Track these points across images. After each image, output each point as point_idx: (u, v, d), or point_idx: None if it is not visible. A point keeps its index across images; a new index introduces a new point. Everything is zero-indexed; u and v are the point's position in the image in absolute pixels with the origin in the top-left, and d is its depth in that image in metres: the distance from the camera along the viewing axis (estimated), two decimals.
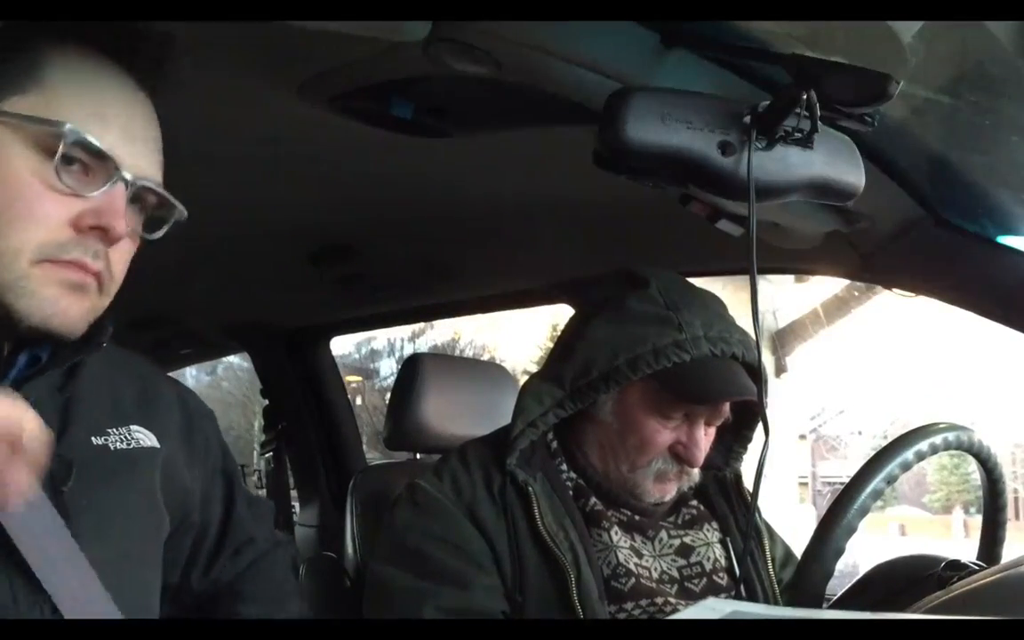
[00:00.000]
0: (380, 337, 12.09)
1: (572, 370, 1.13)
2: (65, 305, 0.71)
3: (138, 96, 0.76)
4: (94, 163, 0.72)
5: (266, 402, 2.41)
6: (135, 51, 0.76)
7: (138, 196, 0.75)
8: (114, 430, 0.81)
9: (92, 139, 0.70)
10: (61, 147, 0.69)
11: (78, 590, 0.70)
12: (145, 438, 0.83)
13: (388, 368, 12.34)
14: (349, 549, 1.42)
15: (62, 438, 0.75)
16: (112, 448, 0.80)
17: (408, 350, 10.91)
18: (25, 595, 0.68)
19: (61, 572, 0.70)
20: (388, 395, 2.23)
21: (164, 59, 0.77)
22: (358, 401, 11.03)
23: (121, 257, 0.75)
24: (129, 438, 0.82)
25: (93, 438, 0.79)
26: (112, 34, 0.74)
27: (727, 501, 1.23)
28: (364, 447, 2.52)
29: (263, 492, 2.44)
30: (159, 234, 0.79)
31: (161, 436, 0.86)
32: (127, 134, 0.74)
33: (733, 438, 1.26)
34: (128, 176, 0.73)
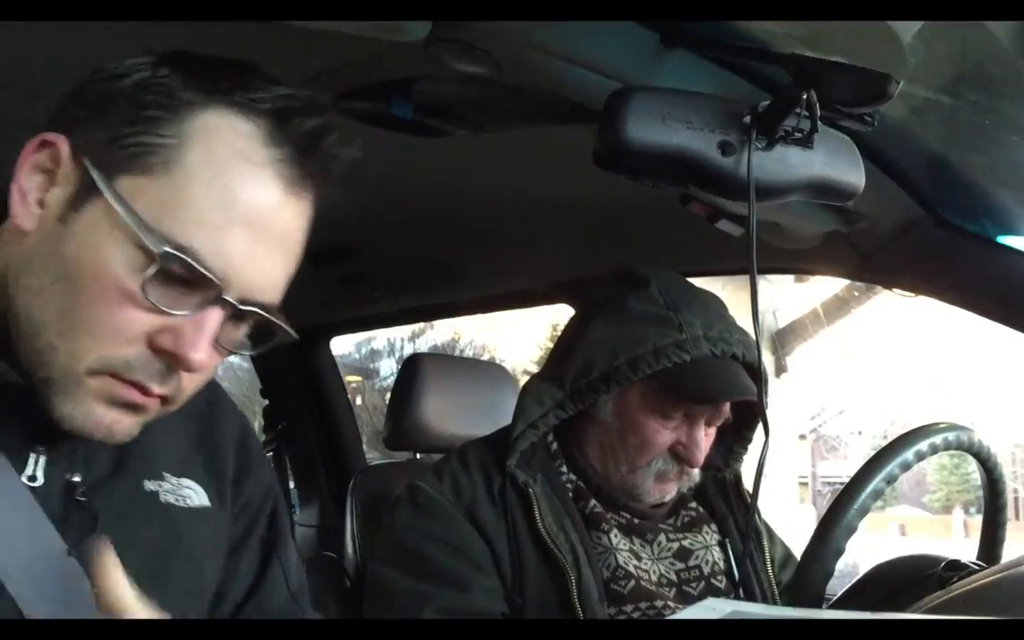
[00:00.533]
0: (380, 337, 12.07)
1: (572, 371, 1.13)
2: (111, 420, 0.61)
3: (287, 198, 0.62)
4: (194, 280, 0.59)
5: (266, 402, 2.41)
6: (300, 139, 0.62)
7: (241, 316, 0.63)
8: (168, 479, 0.71)
9: (195, 263, 0.58)
10: (157, 263, 0.57)
11: None
12: (195, 495, 0.73)
13: (388, 368, 12.33)
14: (349, 549, 1.42)
15: (112, 479, 0.67)
16: (163, 499, 0.71)
17: (408, 350, 10.90)
18: None
19: None
20: (388, 395, 2.22)
21: (333, 157, 0.64)
22: (358, 401, 11.02)
23: (196, 380, 0.64)
24: (179, 493, 0.72)
25: (146, 482, 0.70)
26: (270, 113, 0.61)
27: (726, 502, 1.23)
28: (364, 447, 2.52)
29: None
30: (259, 350, 0.68)
31: (214, 489, 0.75)
32: (251, 249, 0.60)
33: (733, 439, 1.26)
34: (231, 297, 0.60)
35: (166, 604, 0.64)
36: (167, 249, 0.57)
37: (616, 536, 1.12)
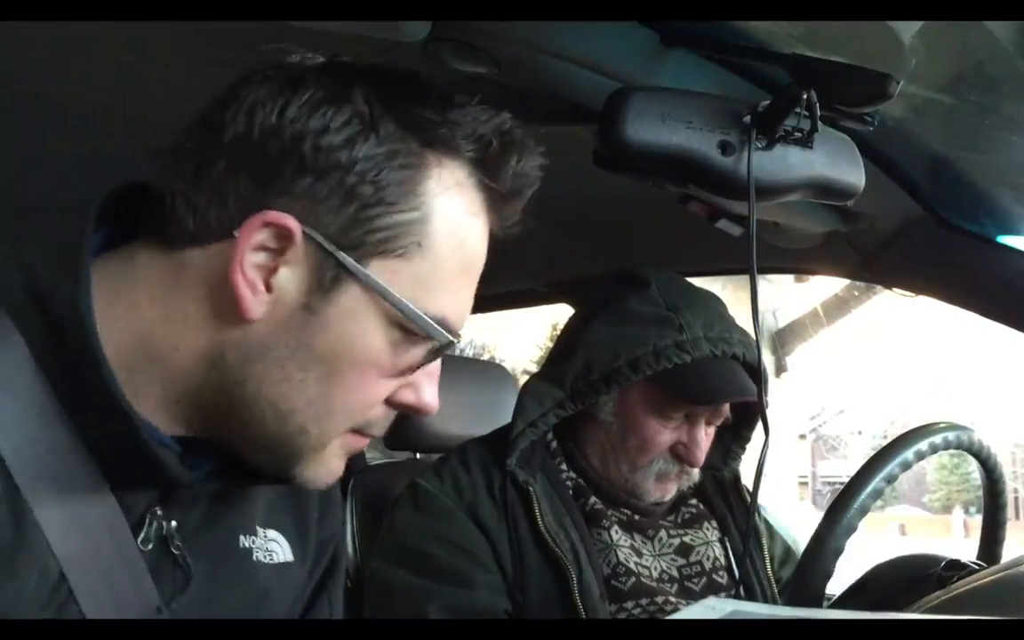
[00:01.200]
0: None
1: (573, 371, 1.13)
2: (337, 468, 0.62)
3: (485, 238, 0.62)
4: (437, 347, 0.59)
5: None
6: (509, 175, 0.60)
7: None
8: (259, 532, 0.68)
9: (452, 334, 0.58)
10: (430, 346, 0.58)
11: None
12: (280, 550, 0.69)
13: None
14: (349, 548, 1.42)
15: (206, 531, 0.63)
16: (255, 557, 0.67)
17: None
18: None
19: None
20: None
21: (530, 183, 0.63)
22: None
23: None
24: (267, 549, 0.68)
25: (241, 537, 0.66)
26: (500, 155, 0.59)
27: (725, 501, 1.23)
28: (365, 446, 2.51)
29: None
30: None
31: (296, 539, 0.71)
32: (470, 299, 0.62)
33: (731, 438, 1.26)
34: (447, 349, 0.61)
35: None
36: (446, 335, 0.58)
37: (617, 533, 1.12)
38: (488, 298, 2.05)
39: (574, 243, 1.60)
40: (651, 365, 1.08)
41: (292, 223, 0.54)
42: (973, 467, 1.03)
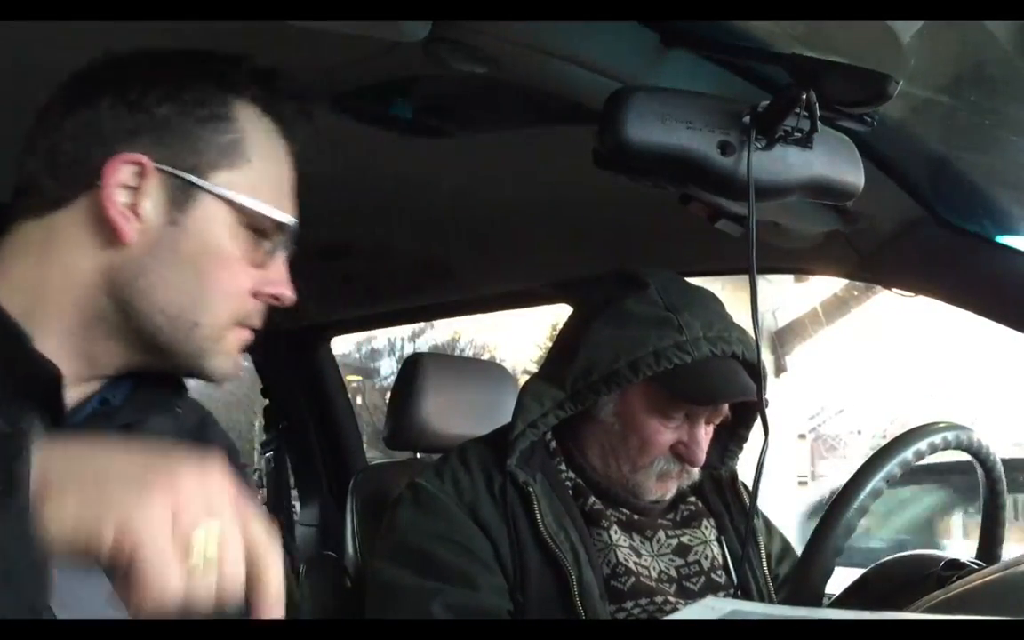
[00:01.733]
0: (380, 337, 12.08)
1: (573, 372, 1.13)
2: (239, 361, 0.75)
3: (288, 155, 0.76)
4: (279, 236, 0.73)
5: (266, 402, 2.41)
6: (289, 107, 0.76)
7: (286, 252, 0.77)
8: None
9: (287, 219, 0.73)
10: (277, 234, 0.72)
11: None
12: None
13: (388, 368, 12.32)
14: (350, 548, 1.42)
15: None
16: None
17: (408, 350, 10.90)
18: None
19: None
20: (388, 394, 2.23)
21: (305, 114, 0.77)
22: (358, 400, 11.02)
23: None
24: None
25: None
26: (275, 92, 0.74)
27: (722, 500, 1.23)
28: (364, 446, 2.52)
29: (263, 492, 2.44)
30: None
31: None
32: (292, 201, 0.75)
33: (729, 437, 1.26)
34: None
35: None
36: (288, 219, 0.72)
37: (616, 533, 1.12)
38: (488, 298, 2.06)
39: (574, 243, 1.60)
40: (651, 366, 1.08)
41: (144, 159, 0.68)
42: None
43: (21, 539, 0.44)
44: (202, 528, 0.47)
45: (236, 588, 0.48)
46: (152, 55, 0.72)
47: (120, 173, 0.67)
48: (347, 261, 1.74)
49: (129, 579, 0.45)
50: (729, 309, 1.19)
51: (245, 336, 0.74)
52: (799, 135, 0.80)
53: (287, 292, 0.74)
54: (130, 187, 0.68)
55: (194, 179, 0.69)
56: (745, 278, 1.12)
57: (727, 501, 1.23)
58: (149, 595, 0.45)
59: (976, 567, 0.91)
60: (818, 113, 0.78)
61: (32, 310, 0.67)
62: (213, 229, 0.70)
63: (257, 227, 0.72)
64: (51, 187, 0.69)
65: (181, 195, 0.69)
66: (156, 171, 0.68)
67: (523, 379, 1.32)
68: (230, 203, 0.70)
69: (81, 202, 0.68)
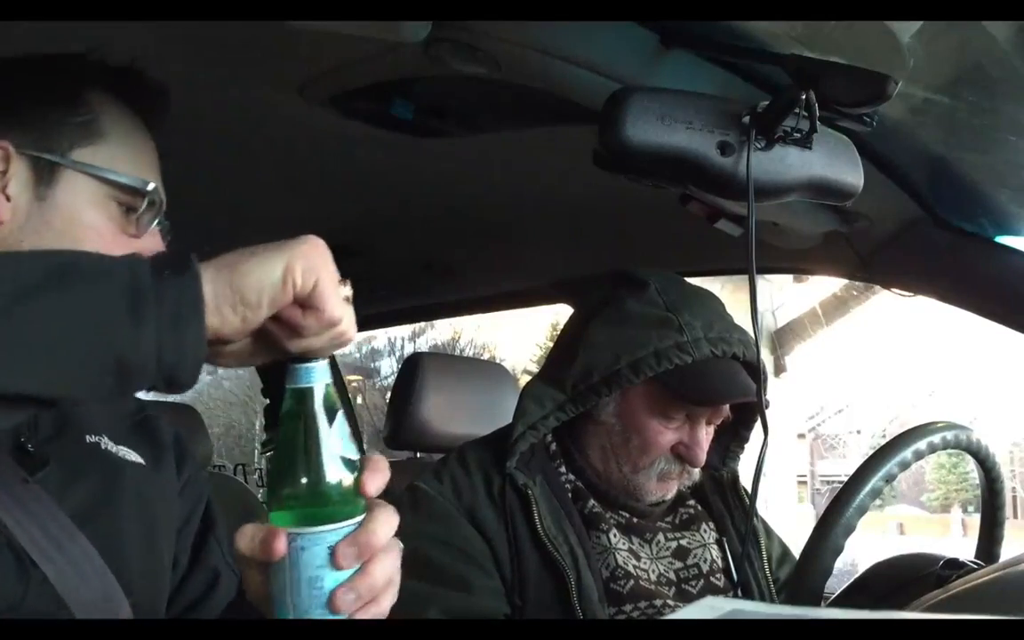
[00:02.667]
0: (380, 336, 12.08)
1: (573, 373, 1.13)
2: None
3: (150, 137, 0.82)
4: (147, 205, 0.78)
5: (267, 401, 2.41)
6: (146, 98, 0.82)
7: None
8: (106, 440, 0.83)
9: (158, 190, 0.78)
10: (144, 203, 0.77)
11: (78, 567, 0.72)
12: (132, 454, 0.85)
13: (388, 367, 12.33)
14: None
15: (56, 436, 0.78)
16: (103, 447, 0.83)
17: (408, 349, 10.91)
18: (19, 577, 0.69)
19: (59, 552, 0.71)
20: (388, 394, 2.22)
21: (166, 106, 0.83)
22: (359, 400, 11.03)
23: None
24: (116, 449, 0.84)
25: (87, 436, 0.82)
26: (130, 84, 0.80)
27: (723, 501, 1.23)
28: (365, 446, 2.52)
29: (264, 491, 2.44)
30: None
31: (150, 457, 0.87)
32: (158, 178, 0.81)
33: (730, 438, 1.26)
34: (165, 220, 0.81)
35: (116, 541, 0.76)
36: (152, 186, 0.77)
37: (615, 536, 1.12)
38: (488, 298, 2.06)
39: (574, 243, 1.60)
40: (652, 367, 1.08)
41: (6, 144, 0.73)
42: (971, 466, 1.04)
43: (194, 301, 0.54)
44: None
45: (356, 332, 0.61)
46: (8, 61, 0.78)
47: None
48: (347, 261, 1.74)
49: (310, 303, 0.57)
50: (729, 309, 1.19)
51: None
52: (799, 135, 0.81)
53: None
54: None
55: (53, 157, 0.75)
56: (745, 278, 1.12)
57: (728, 503, 1.23)
58: (327, 315, 0.58)
59: (975, 566, 0.92)
60: (817, 113, 0.78)
61: None
62: (78, 201, 0.75)
63: (122, 198, 0.77)
64: None
65: (46, 173, 0.75)
66: (18, 155, 0.74)
67: (523, 379, 1.32)
68: (92, 176, 0.75)
69: None
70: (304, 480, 0.57)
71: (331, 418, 0.59)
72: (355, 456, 0.59)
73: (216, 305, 0.55)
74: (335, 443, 0.58)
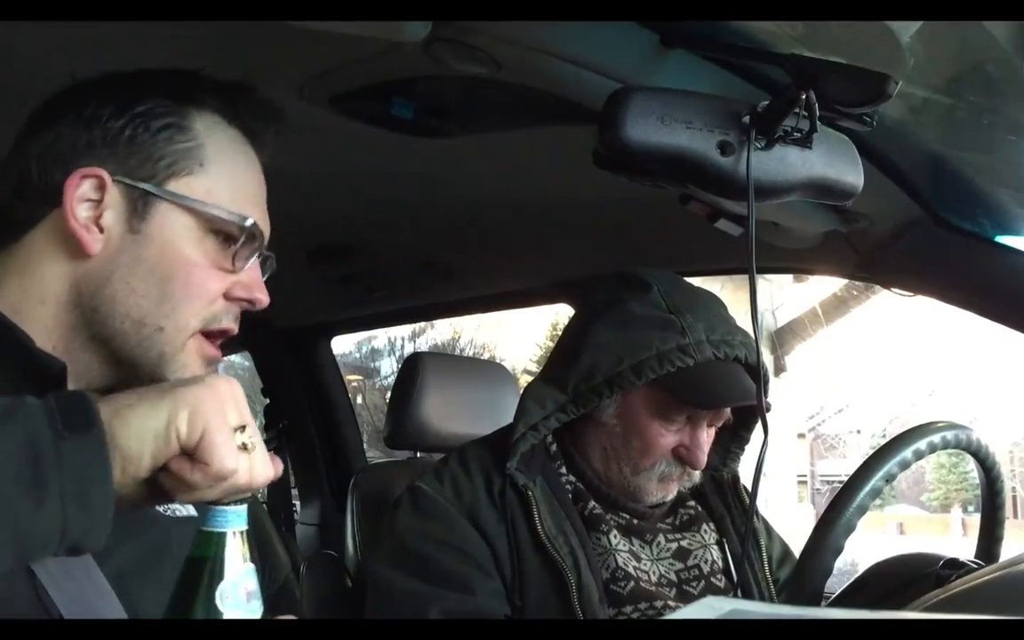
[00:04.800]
0: (380, 336, 12.08)
1: (575, 374, 1.13)
2: (200, 373, 0.75)
3: (256, 161, 0.79)
4: (248, 240, 0.75)
5: (267, 401, 2.42)
6: (257, 118, 0.78)
7: (265, 261, 0.80)
8: None
9: (257, 223, 0.75)
10: (242, 238, 0.74)
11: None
12: (182, 508, 0.80)
13: (388, 367, 12.32)
14: (350, 547, 1.42)
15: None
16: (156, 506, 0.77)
17: (408, 349, 10.90)
18: None
19: (88, 613, 0.67)
20: (388, 394, 2.23)
21: (273, 120, 0.79)
22: (359, 400, 11.02)
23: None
24: (168, 507, 0.78)
25: None
26: (238, 102, 0.77)
27: (724, 501, 1.23)
28: (365, 445, 2.52)
29: (264, 490, 2.44)
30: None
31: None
32: (261, 207, 0.78)
33: (730, 439, 1.26)
34: (266, 251, 0.78)
35: (151, 605, 0.70)
36: (251, 221, 0.74)
37: (615, 537, 1.12)
38: (488, 298, 2.06)
39: (574, 243, 1.60)
40: (654, 369, 1.08)
41: (102, 172, 0.70)
42: (971, 466, 1.03)
43: (101, 466, 0.50)
44: (241, 422, 0.56)
45: (268, 476, 0.57)
46: (111, 76, 0.75)
47: (80, 188, 0.70)
48: (347, 261, 1.74)
49: (197, 456, 0.54)
50: (729, 309, 1.19)
51: (209, 351, 0.74)
52: (799, 135, 0.81)
53: (261, 296, 0.76)
54: (91, 200, 0.71)
55: (150, 188, 0.71)
56: (745, 278, 1.12)
57: (729, 503, 1.23)
58: (215, 469, 0.54)
59: (975, 566, 0.92)
60: (817, 113, 0.78)
61: (23, 326, 0.70)
62: (173, 235, 0.72)
63: (221, 231, 0.73)
64: (22, 210, 0.72)
65: (140, 204, 0.71)
66: (114, 183, 0.71)
67: (523, 379, 1.32)
68: (189, 209, 0.72)
69: (49, 220, 0.71)
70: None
71: (236, 573, 0.53)
72: (256, 616, 0.53)
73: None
74: (233, 604, 0.52)
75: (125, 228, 0.71)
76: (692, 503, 1.21)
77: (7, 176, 0.73)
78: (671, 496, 1.17)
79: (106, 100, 0.72)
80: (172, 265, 0.72)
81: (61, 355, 0.71)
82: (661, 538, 1.16)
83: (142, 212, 0.71)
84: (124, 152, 0.71)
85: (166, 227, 0.72)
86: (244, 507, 0.55)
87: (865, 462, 0.93)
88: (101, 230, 0.71)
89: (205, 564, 0.53)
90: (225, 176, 0.75)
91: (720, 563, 1.17)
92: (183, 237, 0.72)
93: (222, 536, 0.53)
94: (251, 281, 0.76)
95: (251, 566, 0.54)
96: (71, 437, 0.50)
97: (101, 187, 0.70)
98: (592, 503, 1.14)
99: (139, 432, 0.53)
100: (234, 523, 0.54)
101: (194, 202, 0.72)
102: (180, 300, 0.72)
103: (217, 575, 0.53)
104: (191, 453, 0.54)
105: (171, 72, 0.75)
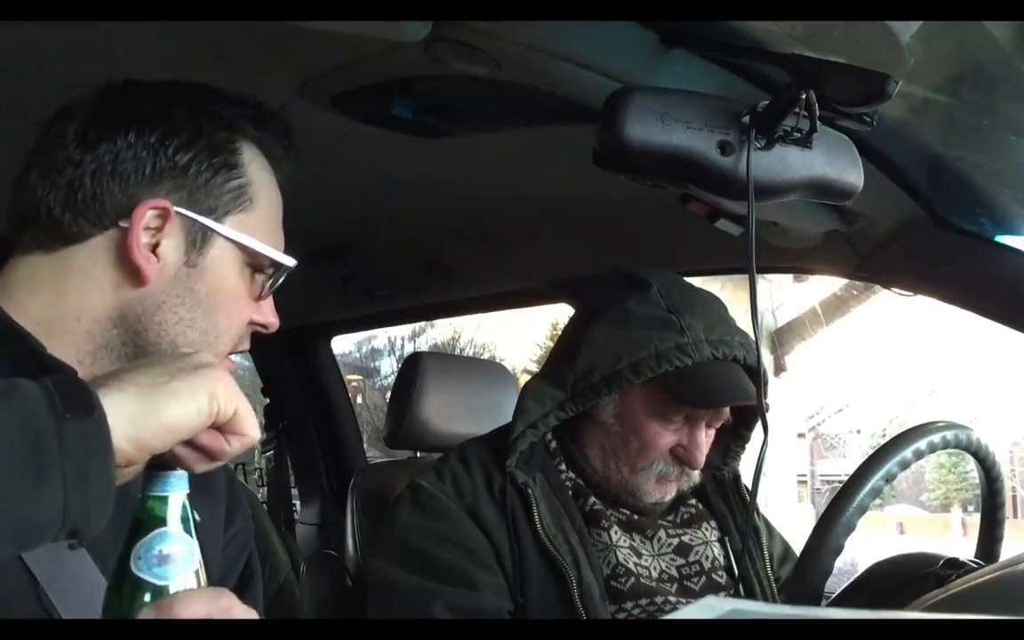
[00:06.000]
0: (380, 336, 12.09)
1: (574, 373, 1.13)
2: None
3: (278, 186, 0.81)
4: (276, 272, 0.78)
5: (267, 401, 2.42)
6: (284, 147, 0.80)
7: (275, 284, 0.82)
8: None
9: (288, 262, 0.78)
10: (273, 270, 0.77)
11: None
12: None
13: (388, 367, 12.34)
14: (350, 547, 1.42)
15: (121, 499, 0.75)
16: None
17: (408, 349, 10.91)
18: None
19: (88, 615, 0.67)
20: (388, 394, 2.23)
21: (292, 144, 0.81)
22: (359, 400, 11.03)
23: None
24: None
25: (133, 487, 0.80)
26: (266, 128, 0.79)
27: (725, 500, 1.23)
28: (365, 445, 2.52)
29: (264, 490, 2.45)
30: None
31: (206, 519, 0.84)
32: (281, 230, 0.81)
33: (731, 438, 1.26)
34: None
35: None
36: (292, 262, 0.77)
37: (616, 533, 1.12)
38: (488, 298, 2.06)
39: (574, 243, 1.60)
40: (653, 368, 1.08)
41: (167, 204, 0.72)
42: (971, 466, 1.03)
43: (102, 449, 0.50)
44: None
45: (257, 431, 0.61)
46: (164, 88, 0.75)
47: (145, 218, 0.72)
48: (347, 261, 1.74)
49: (232, 428, 0.58)
50: (728, 309, 1.19)
51: (230, 368, 0.78)
52: (799, 135, 0.81)
53: (275, 320, 0.80)
54: (151, 229, 0.72)
55: (211, 223, 0.73)
56: (745, 278, 1.12)
57: (730, 502, 1.23)
58: (250, 437, 0.59)
59: (975, 566, 0.91)
60: (817, 113, 0.78)
61: (46, 338, 0.70)
62: (224, 270, 0.75)
63: (258, 265, 0.77)
64: (68, 222, 0.71)
65: (199, 238, 0.73)
66: (177, 215, 0.72)
67: (523, 379, 1.32)
68: (240, 245, 0.75)
69: (101, 239, 0.72)
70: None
71: (154, 536, 0.55)
72: (166, 582, 0.54)
73: (127, 437, 0.52)
74: (144, 565, 0.54)
75: (183, 260, 0.73)
76: (693, 501, 1.21)
77: (48, 181, 0.72)
78: (669, 496, 1.17)
79: (171, 128, 0.73)
80: (220, 298, 0.74)
81: (86, 370, 0.71)
82: (662, 533, 1.16)
83: (199, 245, 0.73)
84: (190, 186, 0.73)
85: (220, 262, 0.74)
86: (185, 473, 0.57)
87: (865, 462, 0.93)
88: (158, 259, 0.72)
89: (137, 526, 0.55)
90: (265, 211, 0.77)
91: (722, 560, 1.17)
92: (231, 271, 0.75)
93: (162, 500, 0.55)
94: (268, 307, 0.80)
95: (184, 534, 0.55)
96: (73, 420, 0.49)
97: (163, 217, 0.72)
98: (592, 499, 1.14)
99: (184, 416, 0.55)
100: (176, 487, 0.56)
101: (247, 239, 0.75)
102: (223, 331, 0.75)
103: (140, 535, 0.54)
104: (222, 427, 0.58)
105: (220, 95, 0.77)
